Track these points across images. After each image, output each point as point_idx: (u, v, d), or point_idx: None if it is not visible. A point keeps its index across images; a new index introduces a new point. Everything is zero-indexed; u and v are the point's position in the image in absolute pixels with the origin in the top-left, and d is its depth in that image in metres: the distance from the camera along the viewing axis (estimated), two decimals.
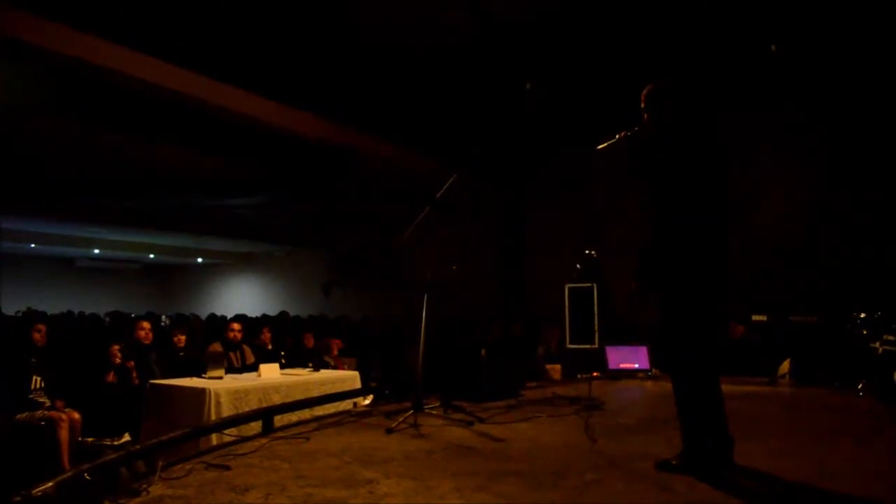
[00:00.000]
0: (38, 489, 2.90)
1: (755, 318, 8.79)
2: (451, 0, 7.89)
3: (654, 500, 3.11)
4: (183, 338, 7.48)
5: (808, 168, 10.08)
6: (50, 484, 2.96)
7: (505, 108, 10.53)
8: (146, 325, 7.03)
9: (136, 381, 6.18)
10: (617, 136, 3.85)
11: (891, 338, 6.33)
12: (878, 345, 6.44)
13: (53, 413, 5.41)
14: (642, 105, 3.80)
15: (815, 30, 8.40)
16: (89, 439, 5.66)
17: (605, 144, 3.90)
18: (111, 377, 6.15)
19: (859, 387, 6.55)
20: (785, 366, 8.01)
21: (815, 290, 9.29)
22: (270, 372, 6.11)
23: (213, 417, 5.05)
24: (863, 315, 6.93)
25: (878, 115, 9.02)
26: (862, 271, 9.06)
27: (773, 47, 8.43)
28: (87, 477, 3.17)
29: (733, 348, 8.79)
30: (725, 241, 3.56)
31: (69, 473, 3.25)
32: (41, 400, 5.66)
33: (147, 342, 6.87)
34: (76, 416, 5.51)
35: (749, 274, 9.88)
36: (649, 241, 3.65)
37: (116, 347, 6.23)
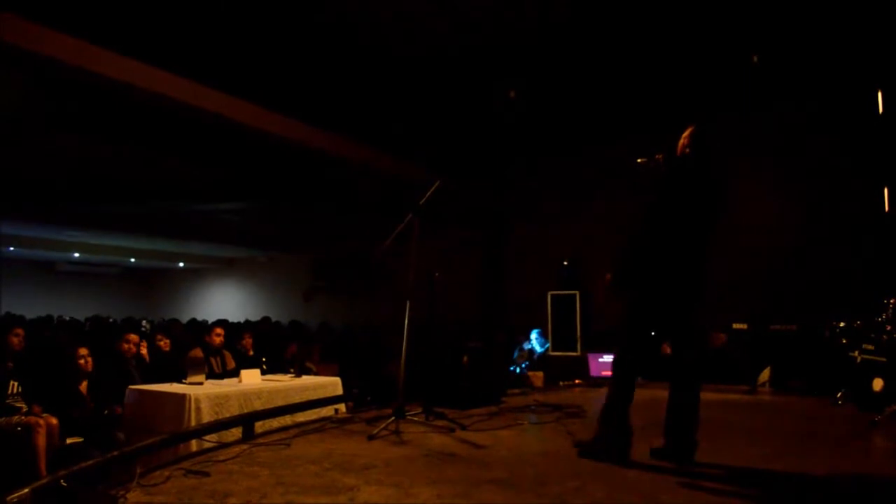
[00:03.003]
0: (13, 495, 2.86)
1: (735, 326, 8.86)
2: (433, 7, 7.89)
3: None
4: (168, 342, 7.40)
5: (790, 177, 10.16)
6: (26, 490, 2.93)
7: (488, 114, 10.55)
8: (133, 337, 6.82)
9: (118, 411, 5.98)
10: (656, 157, 4.25)
11: (870, 347, 6.39)
12: (857, 354, 6.50)
13: (31, 418, 5.33)
14: (685, 142, 4.23)
15: (796, 37, 8.50)
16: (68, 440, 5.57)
17: (643, 160, 4.28)
18: (84, 387, 6.04)
19: (838, 395, 6.60)
20: (765, 374, 8.07)
21: (795, 299, 9.36)
22: (251, 378, 6.06)
23: (193, 423, 5.00)
24: (842, 324, 7.00)
25: (857, 125, 9.11)
26: (842, 280, 9.14)
27: (754, 58, 8.50)
28: (64, 484, 3.13)
29: (714, 357, 8.84)
30: (697, 258, 4.05)
31: (45, 479, 3.21)
32: (18, 405, 5.58)
33: (129, 355, 6.74)
34: (54, 421, 5.42)
35: (730, 282, 9.95)
36: (629, 245, 4.19)
37: (84, 351, 6.11)
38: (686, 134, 4.26)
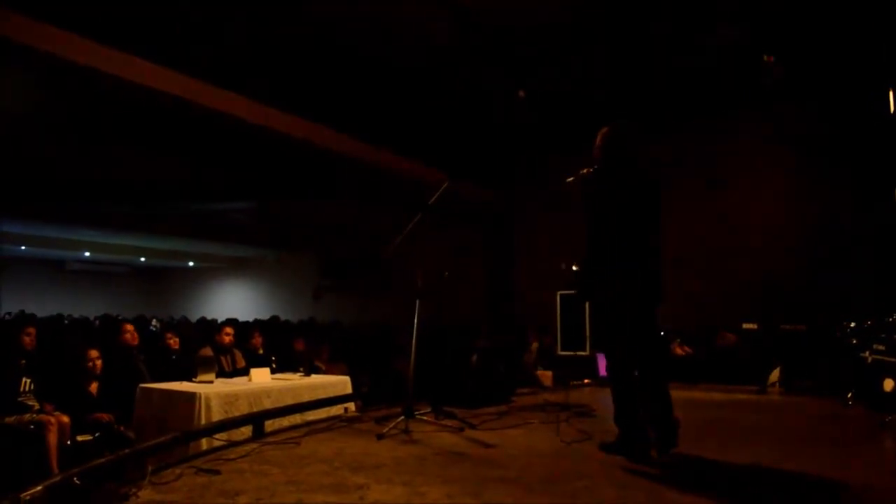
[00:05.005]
0: (26, 493, 2.88)
1: (746, 326, 8.83)
2: (442, 10, 7.89)
3: None
4: (177, 340, 7.44)
5: (799, 177, 10.13)
6: (39, 488, 2.95)
7: (496, 113, 10.56)
8: (129, 327, 6.94)
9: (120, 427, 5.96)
10: (582, 172, 4.35)
11: (880, 346, 6.35)
12: (867, 354, 6.46)
13: (42, 416, 5.37)
14: (596, 143, 4.37)
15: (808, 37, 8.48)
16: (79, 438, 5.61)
17: (571, 179, 4.36)
18: (94, 388, 6.07)
19: (848, 396, 6.57)
20: (775, 374, 8.04)
21: (806, 299, 9.33)
22: (261, 376, 6.08)
23: (204, 422, 5.02)
24: (853, 324, 6.97)
25: (867, 123, 9.06)
26: (852, 280, 9.11)
27: (766, 57, 8.48)
28: (77, 481, 3.15)
29: (724, 356, 8.81)
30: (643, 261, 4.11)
31: (58, 477, 3.23)
32: (30, 403, 5.62)
33: (134, 343, 6.81)
34: (65, 419, 5.46)
35: (740, 283, 9.93)
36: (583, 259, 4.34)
37: (94, 353, 6.14)
38: (598, 136, 4.37)
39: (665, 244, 4.23)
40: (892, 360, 6.12)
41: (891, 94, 7.96)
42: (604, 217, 4.21)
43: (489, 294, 13.50)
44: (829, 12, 8.03)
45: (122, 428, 5.71)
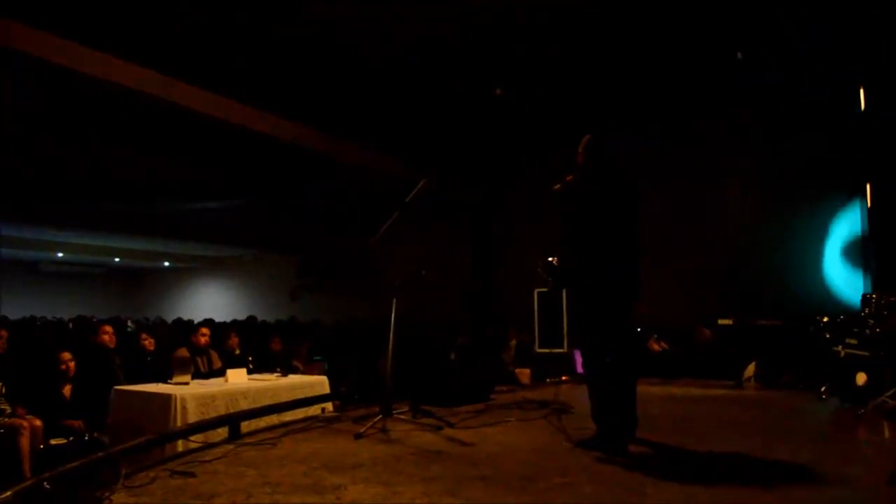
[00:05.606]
0: None
1: (721, 321, 8.90)
2: (441, 10, 7.85)
3: (621, 502, 3.13)
4: (152, 341, 7.36)
5: (774, 173, 10.20)
6: (8, 493, 2.90)
7: (479, 112, 10.53)
8: (108, 328, 6.88)
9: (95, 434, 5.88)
10: (566, 179, 4.46)
11: (853, 341, 6.44)
12: (840, 348, 6.55)
13: (14, 420, 5.29)
14: (579, 151, 4.51)
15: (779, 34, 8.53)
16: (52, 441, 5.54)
17: (558, 186, 4.47)
18: (67, 390, 6.00)
19: (822, 389, 6.65)
20: (750, 369, 8.12)
21: (780, 294, 9.41)
22: (238, 377, 6.04)
23: (179, 423, 4.97)
24: (826, 319, 7.07)
25: (840, 121, 9.15)
26: (825, 275, 9.21)
27: (738, 54, 8.53)
28: (47, 486, 3.10)
29: (700, 351, 8.88)
30: (618, 262, 4.25)
31: (29, 482, 3.18)
32: (2, 406, 5.54)
33: (111, 346, 6.74)
34: (37, 423, 5.39)
35: (715, 278, 9.99)
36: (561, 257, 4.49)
37: (67, 356, 6.06)
38: (581, 144, 4.52)
39: (647, 242, 4.33)
40: (864, 353, 6.21)
41: (861, 91, 8.06)
42: (596, 218, 4.28)
43: (471, 291, 13.49)
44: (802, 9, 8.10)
45: (95, 434, 5.64)
